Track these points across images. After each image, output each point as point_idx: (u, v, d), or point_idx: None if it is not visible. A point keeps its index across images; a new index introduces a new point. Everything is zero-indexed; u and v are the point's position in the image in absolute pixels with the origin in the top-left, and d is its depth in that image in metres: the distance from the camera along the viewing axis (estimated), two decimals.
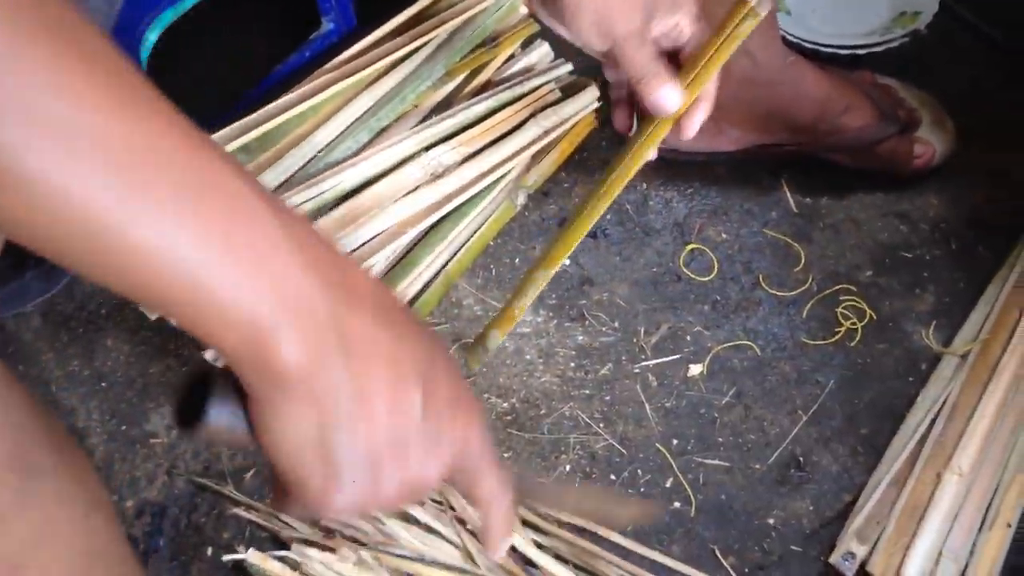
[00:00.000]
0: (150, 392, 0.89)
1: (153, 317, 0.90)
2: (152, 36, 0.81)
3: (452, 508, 0.79)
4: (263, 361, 0.37)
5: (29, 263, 0.53)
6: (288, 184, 0.89)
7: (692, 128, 0.71)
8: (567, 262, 0.99)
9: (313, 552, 0.75)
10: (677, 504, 0.84)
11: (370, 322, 0.39)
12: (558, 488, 0.62)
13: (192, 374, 0.42)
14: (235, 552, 0.78)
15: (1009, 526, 0.79)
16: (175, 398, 0.42)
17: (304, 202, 0.87)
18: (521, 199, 1.01)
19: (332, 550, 0.77)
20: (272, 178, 0.87)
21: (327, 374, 0.38)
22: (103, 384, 0.90)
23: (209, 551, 0.81)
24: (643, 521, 0.79)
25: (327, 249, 0.39)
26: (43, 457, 0.46)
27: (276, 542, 0.80)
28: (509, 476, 0.49)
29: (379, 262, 0.89)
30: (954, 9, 1.13)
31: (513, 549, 0.78)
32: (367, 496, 0.41)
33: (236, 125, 0.89)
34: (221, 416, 0.40)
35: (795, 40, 1.06)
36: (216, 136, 0.88)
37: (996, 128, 1.05)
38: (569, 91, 1.04)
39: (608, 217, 1.02)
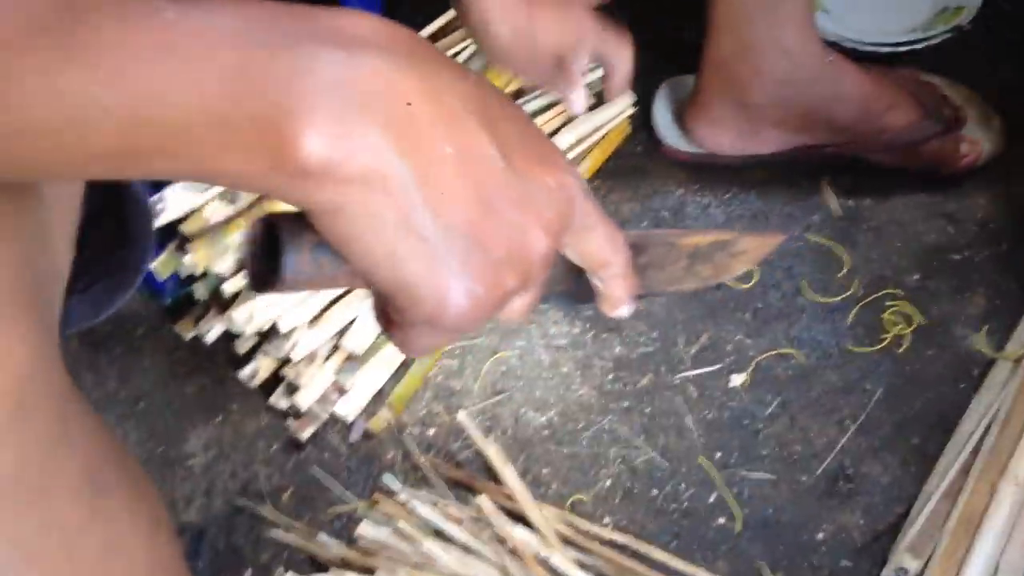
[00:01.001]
0: (187, 412, 0.89)
1: (188, 337, 0.90)
2: None
3: (491, 525, 0.78)
4: (291, 170, 0.31)
5: (76, 286, 0.53)
6: None
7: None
8: None
9: (351, 574, 0.74)
10: (722, 520, 0.82)
11: (386, 67, 0.32)
12: (668, 235, 0.48)
13: (254, 234, 0.37)
14: (273, 575, 0.77)
15: None
16: (248, 265, 0.37)
17: None
18: None
19: (370, 571, 0.76)
20: None
21: (368, 149, 0.31)
22: (140, 405, 0.90)
23: (248, 573, 0.80)
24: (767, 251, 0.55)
25: (280, 8, 0.32)
26: (112, 474, 0.46)
27: (314, 564, 0.80)
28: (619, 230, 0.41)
29: None
30: (998, 3, 1.09)
31: (553, 569, 0.76)
32: (486, 283, 0.34)
33: None
34: (299, 260, 0.35)
35: (834, 38, 1.04)
36: None
37: None
38: (603, 97, 1.03)
39: (644, 224, 1.00)
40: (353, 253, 0.34)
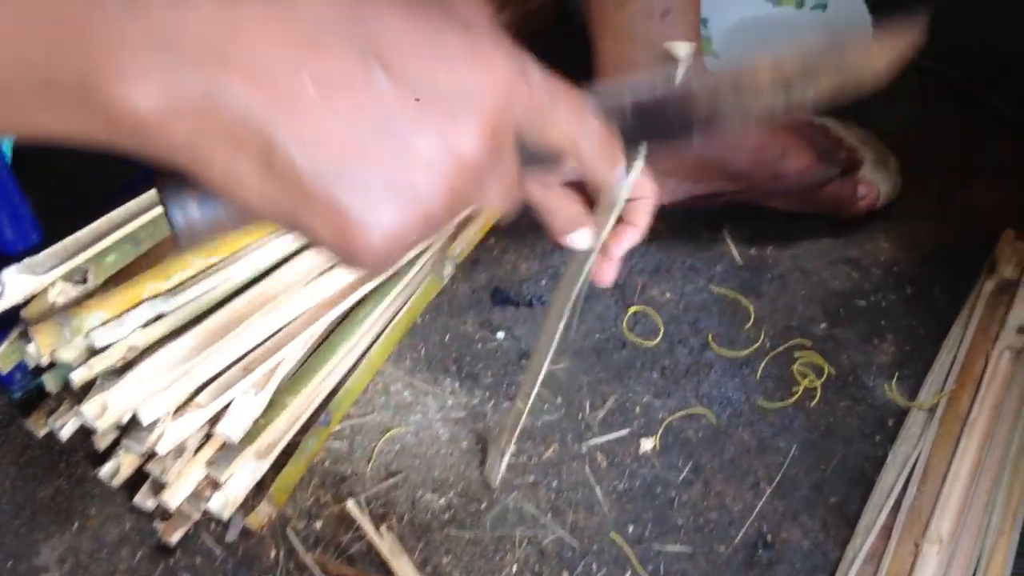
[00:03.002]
0: (40, 520, 0.79)
1: (41, 434, 0.80)
2: None
3: None
4: (122, 128, 0.29)
5: None
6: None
7: (608, 273, 0.58)
8: (501, 334, 0.91)
9: None
10: None
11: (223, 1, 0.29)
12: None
13: (159, 189, 0.35)
14: None
15: None
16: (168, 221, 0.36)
17: (203, 293, 0.78)
18: (448, 270, 0.94)
19: None
20: (166, 270, 0.78)
21: (204, 101, 0.29)
22: None
23: None
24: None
25: None
26: None
27: None
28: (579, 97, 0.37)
29: (290, 355, 0.81)
30: None
31: None
32: (396, 208, 0.32)
33: (121, 210, 0.80)
34: (186, 214, 0.34)
35: None
36: (98, 224, 0.79)
37: (939, 161, 1.01)
38: None
39: (543, 283, 0.95)
40: (232, 201, 0.31)
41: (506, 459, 0.79)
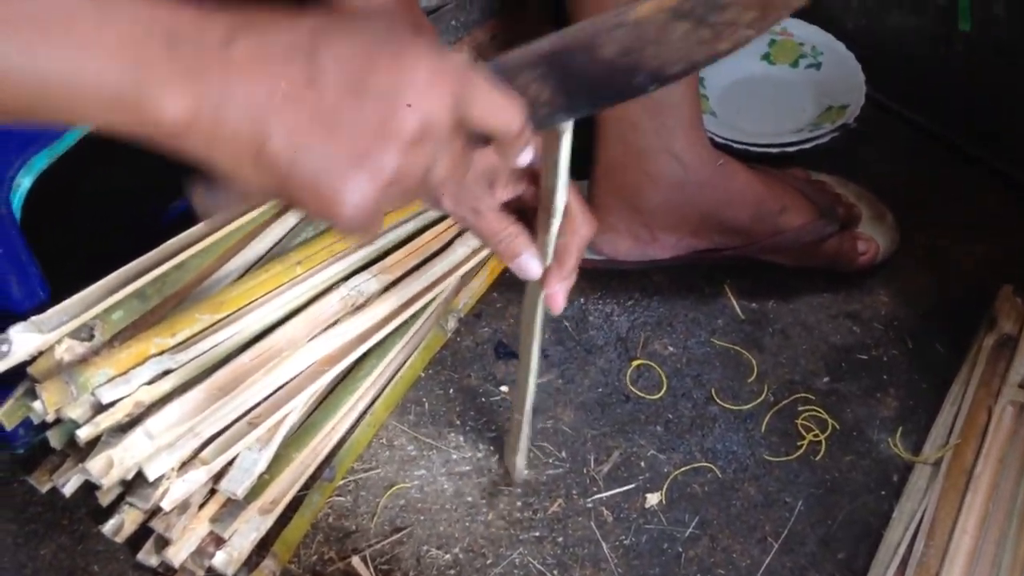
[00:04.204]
0: None
1: (44, 489, 0.80)
2: (26, 181, 0.74)
3: None
4: (156, 130, 0.40)
5: None
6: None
7: (556, 302, 0.64)
8: (505, 388, 0.92)
9: None
10: None
11: (211, 27, 0.40)
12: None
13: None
14: None
15: None
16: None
17: (208, 349, 0.79)
18: (452, 324, 0.94)
19: None
20: (172, 327, 0.78)
21: (216, 105, 0.40)
22: None
23: None
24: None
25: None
26: None
27: None
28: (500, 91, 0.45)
29: (296, 408, 0.80)
30: (880, 100, 1.11)
31: None
32: (365, 176, 0.42)
33: (128, 267, 0.81)
34: (197, 198, 0.45)
35: (723, 141, 1.03)
36: (105, 281, 0.79)
37: (934, 217, 1.02)
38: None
39: (547, 336, 0.95)
40: (236, 185, 0.43)
41: (522, 458, 0.82)
